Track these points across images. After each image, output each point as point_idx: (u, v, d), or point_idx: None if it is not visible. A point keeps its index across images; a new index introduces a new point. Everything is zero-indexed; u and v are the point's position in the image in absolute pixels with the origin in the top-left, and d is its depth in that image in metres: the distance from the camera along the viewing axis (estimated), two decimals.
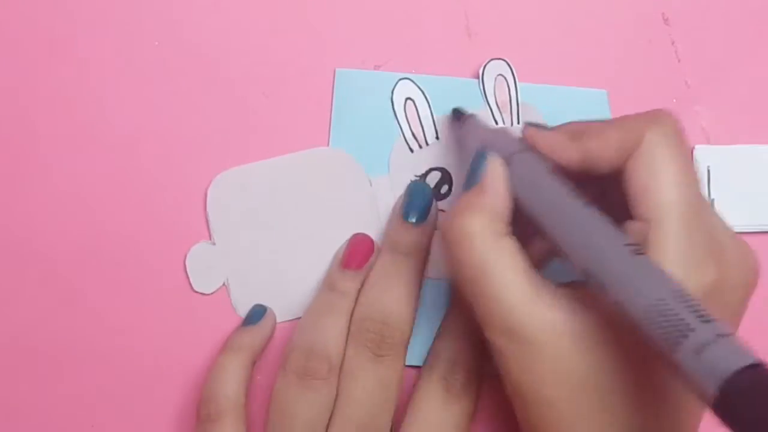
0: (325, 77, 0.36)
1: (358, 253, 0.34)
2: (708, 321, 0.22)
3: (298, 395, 0.32)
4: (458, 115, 0.35)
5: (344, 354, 0.33)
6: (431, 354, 0.34)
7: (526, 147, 0.30)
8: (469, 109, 0.35)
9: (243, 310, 0.35)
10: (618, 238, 0.25)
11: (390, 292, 0.33)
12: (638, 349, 0.26)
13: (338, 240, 0.35)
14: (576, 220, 0.26)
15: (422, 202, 0.34)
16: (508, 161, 0.29)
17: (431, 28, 0.36)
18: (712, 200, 0.35)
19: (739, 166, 0.36)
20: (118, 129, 0.36)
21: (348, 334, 0.33)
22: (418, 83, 0.36)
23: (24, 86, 0.36)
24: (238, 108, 0.36)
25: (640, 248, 0.25)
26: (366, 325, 0.32)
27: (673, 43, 0.36)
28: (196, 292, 0.36)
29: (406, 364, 0.33)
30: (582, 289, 0.27)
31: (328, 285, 0.34)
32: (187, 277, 0.36)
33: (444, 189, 0.36)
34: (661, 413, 0.27)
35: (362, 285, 0.34)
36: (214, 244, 0.36)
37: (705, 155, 0.36)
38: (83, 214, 0.36)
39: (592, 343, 0.26)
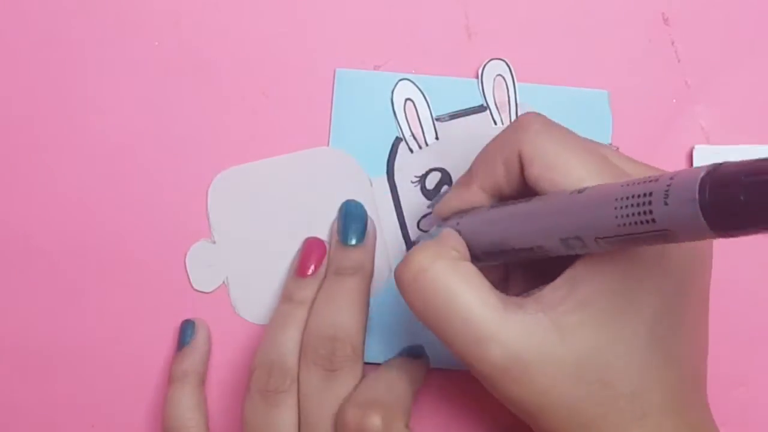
0: (325, 77, 0.36)
1: (311, 259, 0.35)
2: (656, 179, 0.23)
3: (265, 413, 0.32)
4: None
5: (298, 369, 0.33)
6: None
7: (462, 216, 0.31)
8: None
9: (242, 309, 0.36)
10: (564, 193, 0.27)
11: (336, 309, 0.33)
12: (621, 317, 0.26)
13: None
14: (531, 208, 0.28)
15: (358, 222, 0.35)
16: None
17: (431, 28, 0.36)
18: None
19: None
20: (118, 129, 0.36)
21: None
22: (418, 84, 0.36)
23: (24, 86, 0.36)
24: (238, 108, 0.36)
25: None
26: (315, 342, 0.32)
27: (673, 43, 0.36)
28: (196, 290, 0.36)
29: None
30: (540, 294, 0.27)
31: (285, 296, 0.35)
32: (188, 276, 0.36)
33: (444, 189, 0.36)
34: (664, 372, 0.27)
35: (317, 289, 0.34)
36: (214, 242, 0.36)
37: (705, 155, 0.36)
38: (84, 214, 0.36)
39: (572, 330, 0.26)
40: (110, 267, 0.36)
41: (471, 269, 0.28)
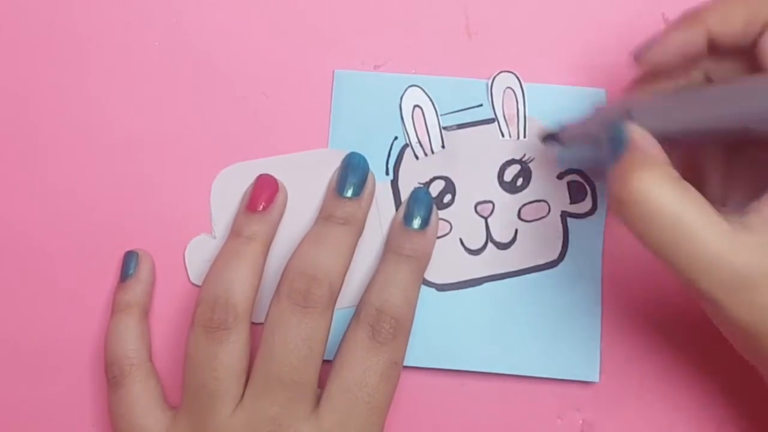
0: (325, 77, 0.36)
1: (262, 194, 0.34)
2: None
3: (208, 349, 0.31)
4: (552, 136, 0.34)
5: (270, 303, 0.32)
6: (360, 302, 0.33)
7: (631, 102, 0.30)
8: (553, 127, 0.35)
9: None
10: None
11: (321, 251, 0.32)
12: None
13: None
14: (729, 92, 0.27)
15: (357, 176, 0.34)
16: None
17: (431, 28, 0.36)
18: None
19: None
20: (118, 129, 0.36)
21: (278, 285, 0.32)
22: (426, 90, 0.36)
23: (24, 86, 0.37)
24: (238, 108, 0.36)
25: None
26: (293, 277, 0.32)
27: None
28: (194, 284, 0.36)
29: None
30: (763, 211, 0.26)
31: (234, 231, 0.34)
32: (187, 277, 0.36)
33: (447, 198, 0.36)
34: None
35: (272, 227, 0.34)
36: (214, 237, 0.36)
37: None
38: (85, 212, 0.36)
39: None
40: (110, 266, 0.36)
41: (693, 189, 0.27)
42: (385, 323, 0.32)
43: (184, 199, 0.36)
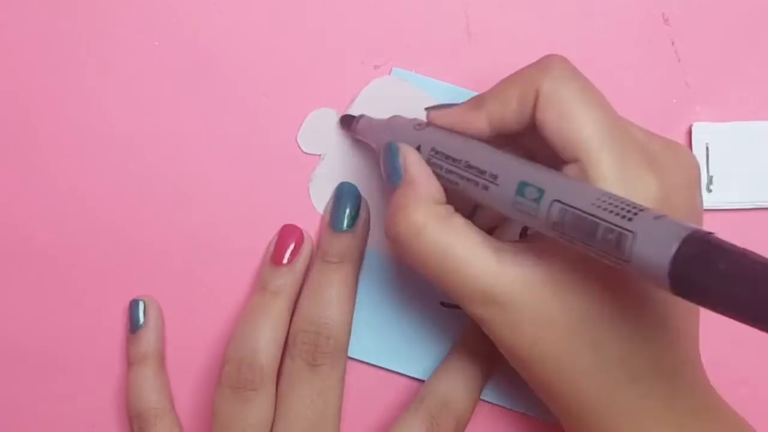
0: (325, 77, 0.36)
1: (286, 248, 0.34)
2: (641, 210, 0.23)
3: (234, 408, 0.32)
4: (348, 121, 0.35)
5: (282, 362, 0.33)
6: (425, 387, 0.33)
7: (427, 125, 0.31)
8: (356, 113, 0.35)
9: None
10: (550, 170, 0.27)
11: (321, 301, 0.33)
12: (611, 279, 0.26)
13: None
14: (500, 157, 0.28)
15: (350, 207, 0.34)
16: (417, 144, 0.30)
17: (431, 29, 0.36)
18: (711, 177, 0.35)
19: (737, 143, 0.36)
20: (117, 129, 0.36)
21: (286, 340, 0.33)
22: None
23: (25, 86, 0.36)
24: (238, 108, 0.36)
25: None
26: (300, 336, 0.32)
27: (673, 43, 0.36)
28: (304, 152, 0.36)
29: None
30: (539, 241, 0.28)
31: (259, 286, 0.34)
32: (187, 277, 0.36)
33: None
34: (653, 335, 0.27)
35: (297, 279, 0.34)
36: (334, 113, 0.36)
37: (703, 132, 0.36)
38: (85, 212, 0.36)
39: (564, 286, 0.27)
40: (110, 266, 0.36)
41: (461, 223, 0.28)
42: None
43: (184, 198, 0.36)
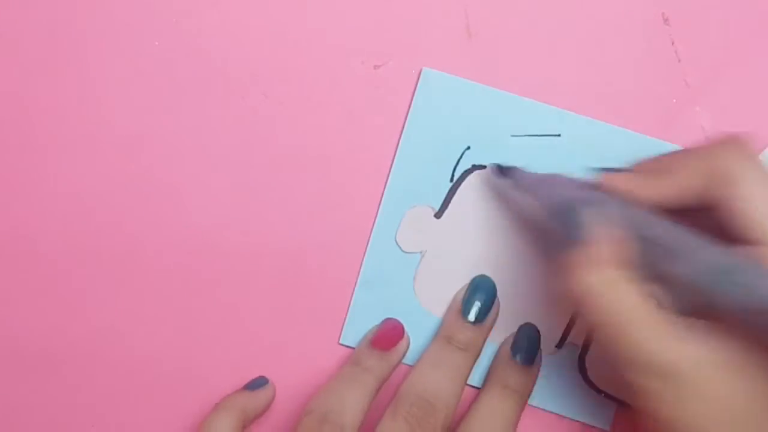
0: (324, 77, 0.36)
1: (388, 337, 0.35)
2: None
3: None
4: (501, 170, 0.35)
5: (381, 418, 0.32)
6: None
7: (598, 189, 0.30)
8: (509, 162, 0.35)
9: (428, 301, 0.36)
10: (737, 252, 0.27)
11: (441, 377, 0.33)
12: None
13: None
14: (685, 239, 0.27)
15: (484, 301, 0.35)
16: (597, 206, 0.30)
17: (431, 28, 0.36)
18: None
19: None
20: (118, 129, 0.36)
21: (392, 398, 0.32)
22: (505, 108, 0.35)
23: (25, 86, 0.36)
24: (238, 108, 0.36)
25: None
26: (411, 399, 0.32)
27: (673, 43, 0.36)
28: (404, 251, 0.36)
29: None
30: (716, 321, 0.27)
31: (353, 360, 0.34)
32: (189, 281, 0.36)
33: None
34: None
35: (389, 367, 0.34)
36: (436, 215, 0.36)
37: None
38: (85, 212, 0.36)
39: (741, 370, 0.27)
40: (110, 266, 0.36)
41: (638, 293, 0.28)
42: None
43: (185, 199, 0.36)
